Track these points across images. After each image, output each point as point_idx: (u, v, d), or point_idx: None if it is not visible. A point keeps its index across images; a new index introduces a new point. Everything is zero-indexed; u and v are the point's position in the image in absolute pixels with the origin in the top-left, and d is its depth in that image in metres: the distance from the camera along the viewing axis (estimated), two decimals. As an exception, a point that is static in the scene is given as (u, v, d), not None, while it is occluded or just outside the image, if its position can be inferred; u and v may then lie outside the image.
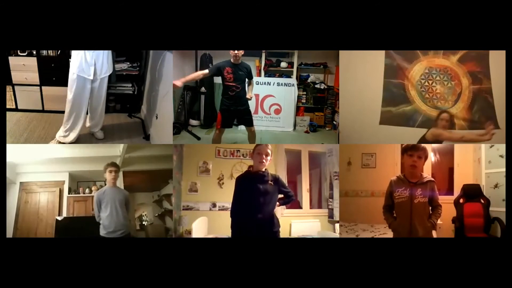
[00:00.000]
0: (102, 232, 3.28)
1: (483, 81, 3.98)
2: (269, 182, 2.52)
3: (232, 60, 3.81)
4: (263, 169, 2.53)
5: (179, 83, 3.66)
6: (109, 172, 3.35)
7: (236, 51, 3.72)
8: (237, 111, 3.94)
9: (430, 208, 2.53)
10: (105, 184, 5.04)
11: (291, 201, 2.75)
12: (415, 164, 2.48)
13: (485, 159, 3.94)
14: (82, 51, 3.70)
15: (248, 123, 4.04)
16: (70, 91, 3.84)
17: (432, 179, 2.53)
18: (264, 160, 2.50)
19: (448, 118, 3.52)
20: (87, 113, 4.07)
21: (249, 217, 2.48)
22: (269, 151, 2.52)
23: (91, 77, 3.82)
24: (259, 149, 2.52)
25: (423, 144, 2.55)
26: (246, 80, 3.93)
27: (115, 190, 3.38)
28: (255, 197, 2.48)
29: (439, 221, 3.85)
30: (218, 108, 5.65)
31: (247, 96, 3.94)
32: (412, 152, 2.48)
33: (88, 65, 3.77)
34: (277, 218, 2.58)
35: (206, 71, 3.88)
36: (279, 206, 2.66)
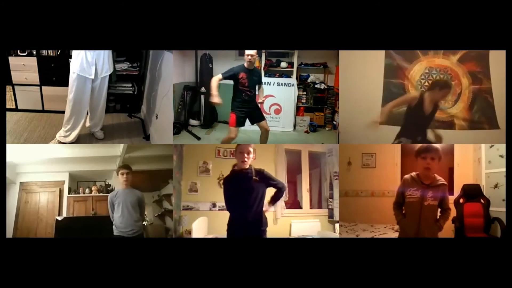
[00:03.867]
0: (115, 232, 3.34)
1: (483, 81, 3.98)
2: (254, 178, 2.54)
3: (246, 65, 3.78)
4: (247, 167, 2.56)
5: (217, 99, 3.66)
6: (121, 174, 3.43)
7: (249, 55, 3.71)
8: (249, 109, 3.90)
9: (440, 210, 2.53)
10: (104, 184, 5.13)
11: (283, 193, 2.73)
12: (429, 166, 2.46)
13: (485, 159, 3.94)
14: (83, 51, 3.70)
15: (260, 117, 3.96)
16: (70, 91, 3.84)
17: (445, 182, 2.51)
18: (246, 159, 2.53)
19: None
20: (87, 113, 4.08)
21: (239, 216, 2.53)
22: (251, 149, 2.54)
23: (92, 77, 3.82)
24: (241, 148, 2.55)
25: (435, 145, 2.54)
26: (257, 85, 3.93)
27: (127, 191, 3.43)
28: (242, 196, 2.52)
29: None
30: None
31: (259, 100, 3.97)
32: (425, 154, 2.46)
33: (89, 64, 3.77)
34: (265, 217, 2.61)
35: (220, 76, 3.75)
36: (272, 205, 2.69)
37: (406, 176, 2.59)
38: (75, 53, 3.76)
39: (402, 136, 3.47)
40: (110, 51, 3.97)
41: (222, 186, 2.64)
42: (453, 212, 3.87)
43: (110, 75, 4.08)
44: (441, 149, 2.52)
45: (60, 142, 4.02)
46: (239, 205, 2.54)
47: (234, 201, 2.57)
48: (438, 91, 3.28)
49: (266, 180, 2.59)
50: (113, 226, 3.37)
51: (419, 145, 2.59)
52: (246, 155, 2.52)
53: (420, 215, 2.48)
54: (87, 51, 3.71)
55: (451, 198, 3.99)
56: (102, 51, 3.81)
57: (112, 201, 3.40)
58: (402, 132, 3.47)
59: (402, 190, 2.57)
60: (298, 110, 5.84)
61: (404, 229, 2.58)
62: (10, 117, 4.54)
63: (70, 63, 3.82)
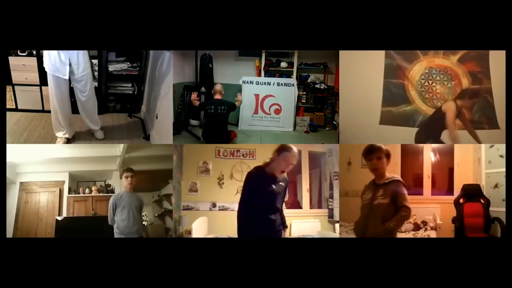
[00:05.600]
0: (117, 235, 3.31)
1: (483, 81, 3.98)
2: (281, 183, 2.49)
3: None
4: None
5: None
6: (125, 177, 3.42)
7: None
8: None
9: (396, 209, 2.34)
10: (104, 184, 5.13)
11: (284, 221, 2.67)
12: (376, 166, 2.43)
13: (485, 159, 3.94)
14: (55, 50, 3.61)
15: None
16: (50, 91, 3.80)
17: (398, 178, 2.40)
18: (286, 170, 2.43)
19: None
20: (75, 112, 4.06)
21: (261, 217, 2.43)
22: (296, 162, 2.42)
23: (66, 77, 3.73)
24: (288, 158, 2.37)
25: (378, 144, 2.44)
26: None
27: (131, 195, 3.42)
28: (268, 198, 2.42)
29: (438, 221, 3.88)
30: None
31: None
32: (370, 155, 2.43)
33: (63, 64, 3.67)
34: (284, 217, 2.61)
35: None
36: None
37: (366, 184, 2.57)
38: (46, 53, 3.65)
39: (429, 138, 3.51)
40: (86, 51, 3.81)
41: (245, 180, 2.50)
42: (453, 212, 3.89)
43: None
44: (385, 147, 2.45)
45: (67, 139, 4.01)
46: (263, 206, 2.41)
47: (258, 200, 2.41)
48: (468, 100, 3.34)
49: (286, 186, 2.56)
50: (115, 229, 3.33)
51: (364, 146, 2.51)
52: (290, 166, 2.41)
53: (369, 215, 2.40)
54: (60, 50, 3.61)
55: (451, 198, 4.00)
56: (76, 51, 3.68)
57: (116, 203, 3.36)
58: (426, 133, 3.48)
59: (361, 196, 2.55)
60: (298, 110, 5.83)
61: (356, 230, 2.56)
62: (10, 117, 4.54)
63: (44, 63, 3.72)
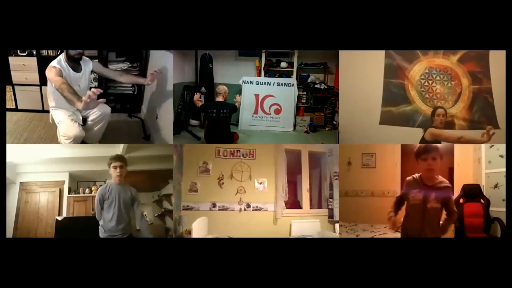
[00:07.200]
0: (102, 234, 3.02)
1: (483, 81, 3.98)
2: None
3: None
4: None
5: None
6: (113, 168, 2.99)
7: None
8: None
9: (446, 213, 2.48)
10: (103, 184, 5.12)
11: None
12: (431, 167, 2.40)
13: (485, 159, 3.94)
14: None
15: None
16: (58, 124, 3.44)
17: (449, 184, 2.46)
18: None
19: (444, 113, 3.51)
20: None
21: None
22: None
23: (81, 123, 3.46)
24: None
25: (434, 144, 2.50)
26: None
27: (120, 188, 3.04)
28: None
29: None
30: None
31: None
32: (426, 155, 2.41)
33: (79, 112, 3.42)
34: None
35: None
36: None
37: (409, 178, 2.55)
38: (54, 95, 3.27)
39: None
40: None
41: None
42: (453, 212, 3.89)
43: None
44: (440, 147, 2.49)
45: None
46: None
47: None
48: (436, 117, 3.43)
49: None
50: (100, 227, 3.04)
51: (417, 146, 2.55)
52: None
53: (423, 217, 2.43)
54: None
55: (451, 198, 4.00)
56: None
57: (103, 197, 2.99)
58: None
59: (405, 192, 2.53)
60: (298, 110, 5.83)
61: (407, 231, 2.54)
62: (10, 117, 4.54)
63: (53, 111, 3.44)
